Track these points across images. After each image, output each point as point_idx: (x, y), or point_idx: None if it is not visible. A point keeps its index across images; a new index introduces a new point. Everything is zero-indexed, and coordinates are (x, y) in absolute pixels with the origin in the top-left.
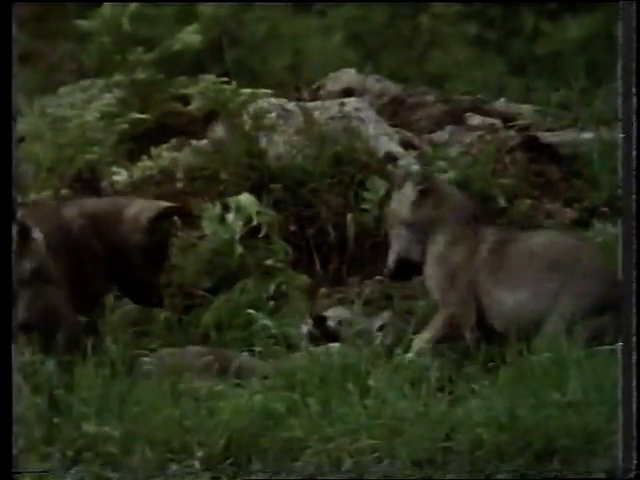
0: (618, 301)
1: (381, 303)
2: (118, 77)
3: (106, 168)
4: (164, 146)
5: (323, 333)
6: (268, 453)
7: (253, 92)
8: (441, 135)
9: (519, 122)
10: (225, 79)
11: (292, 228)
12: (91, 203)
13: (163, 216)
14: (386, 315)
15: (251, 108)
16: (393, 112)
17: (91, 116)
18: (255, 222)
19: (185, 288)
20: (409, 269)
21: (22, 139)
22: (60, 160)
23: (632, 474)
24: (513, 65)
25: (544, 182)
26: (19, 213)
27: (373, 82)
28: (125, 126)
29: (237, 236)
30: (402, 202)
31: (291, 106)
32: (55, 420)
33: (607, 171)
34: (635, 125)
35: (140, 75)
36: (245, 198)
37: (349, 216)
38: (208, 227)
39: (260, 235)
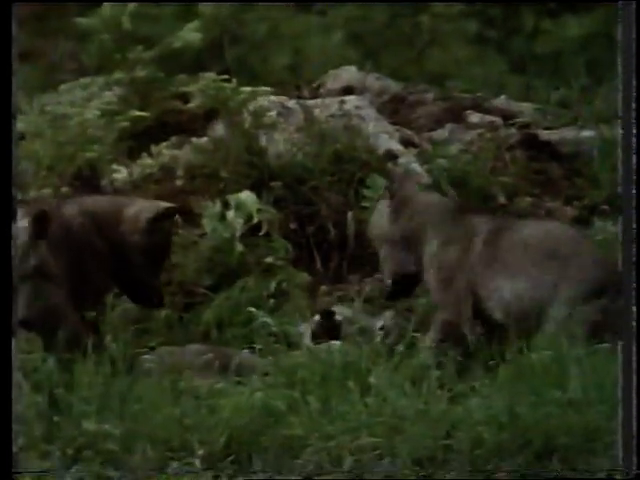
0: (617, 285)
1: (381, 301)
2: (118, 75)
3: (106, 166)
4: (164, 144)
5: (330, 328)
6: (269, 451)
7: (253, 90)
8: (441, 133)
9: (519, 120)
10: (225, 77)
11: (292, 226)
12: (91, 201)
13: (162, 217)
14: (389, 315)
15: (251, 106)
16: (393, 110)
17: (91, 114)
18: (255, 220)
19: (185, 286)
20: (408, 286)
21: (22, 137)
22: (60, 158)
23: (632, 473)
24: (513, 63)
25: (544, 180)
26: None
27: (373, 80)
28: (125, 124)
29: (237, 234)
30: (379, 221)
31: (291, 104)
32: (55, 418)
33: (607, 169)
34: (635, 123)
35: (140, 73)
36: (245, 196)
37: (349, 214)
38: (208, 225)
39: (260, 233)
